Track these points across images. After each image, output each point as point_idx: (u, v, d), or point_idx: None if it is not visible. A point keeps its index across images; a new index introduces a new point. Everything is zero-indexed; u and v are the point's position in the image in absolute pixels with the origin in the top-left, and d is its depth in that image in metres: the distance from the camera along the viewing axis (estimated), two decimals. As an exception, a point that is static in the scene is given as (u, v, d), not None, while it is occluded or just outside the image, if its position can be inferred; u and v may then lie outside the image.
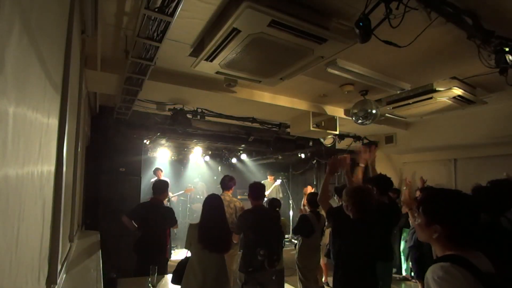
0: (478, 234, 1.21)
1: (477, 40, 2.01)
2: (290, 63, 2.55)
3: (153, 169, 6.88)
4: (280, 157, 8.23)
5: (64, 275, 1.56)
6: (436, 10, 1.77)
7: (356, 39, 1.78)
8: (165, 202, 4.49)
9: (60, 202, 1.28)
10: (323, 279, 4.80)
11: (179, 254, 5.65)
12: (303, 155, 7.07)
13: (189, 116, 3.98)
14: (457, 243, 1.18)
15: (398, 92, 3.36)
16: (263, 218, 3.03)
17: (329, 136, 5.07)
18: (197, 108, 4.11)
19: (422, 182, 4.74)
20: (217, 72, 2.73)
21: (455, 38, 2.24)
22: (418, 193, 4.06)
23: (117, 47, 2.59)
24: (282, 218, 3.35)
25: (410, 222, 3.39)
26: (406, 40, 1.99)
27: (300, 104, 3.98)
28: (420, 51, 2.47)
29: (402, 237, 5.17)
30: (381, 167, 3.44)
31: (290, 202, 8.07)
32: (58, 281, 1.28)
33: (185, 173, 9.56)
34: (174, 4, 1.69)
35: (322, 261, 4.51)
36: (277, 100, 3.79)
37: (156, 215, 3.53)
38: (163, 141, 6.33)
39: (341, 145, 5.82)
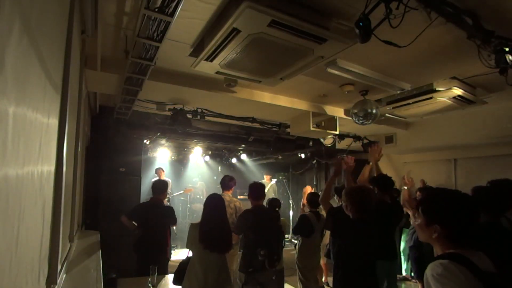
0: (478, 234, 1.21)
1: (477, 40, 2.01)
2: (290, 63, 2.55)
3: (154, 169, 6.89)
4: (280, 157, 8.24)
5: (64, 275, 1.56)
6: (436, 10, 1.77)
7: (356, 39, 1.77)
8: (165, 202, 4.50)
9: (60, 202, 1.28)
10: (323, 279, 4.80)
11: (179, 254, 5.65)
12: (303, 155, 7.07)
13: (189, 116, 3.98)
14: (457, 242, 1.18)
15: (398, 92, 3.36)
16: (263, 218, 3.03)
17: (329, 136, 5.07)
18: (197, 108, 4.11)
19: (422, 183, 4.74)
20: (217, 72, 2.73)
21: (455, 38, 2.24)
22: (418, 194, 4.05)
23: (117, 47, 2.59)
24: (282, 218, 3.35)
25: (411, 222, 3.39)
26: (406, 40, 1.99)
27: (300, 104, 3.98)
28: (420, 51, 2.47)
29: (402, 237, 5.16)
30: (381, 167, 3.44)
31: (290, 202, 8.08)
32: (58, 281, 1.28)
33: (185, 173, 9.56)
34: (174, 4, 1.69)
35: (322, 261, 4.51)
36: (277, 100, 3.79)
37: (156, 214, 3.53)
38: (163, 141, 6.33)
39: (341, 145, 5.82)
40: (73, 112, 1.79)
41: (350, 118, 3.73)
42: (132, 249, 3.50)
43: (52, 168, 1.19)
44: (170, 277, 3.02)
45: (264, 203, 3.33)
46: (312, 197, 3.97)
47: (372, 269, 2.35)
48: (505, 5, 1.87)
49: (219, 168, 9.76)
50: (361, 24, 1.68)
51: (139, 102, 3.77)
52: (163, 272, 3.29)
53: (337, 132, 4.38)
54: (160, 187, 3.70)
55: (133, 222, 3.55)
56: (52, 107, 1.13)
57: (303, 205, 4.34)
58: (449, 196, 1.25)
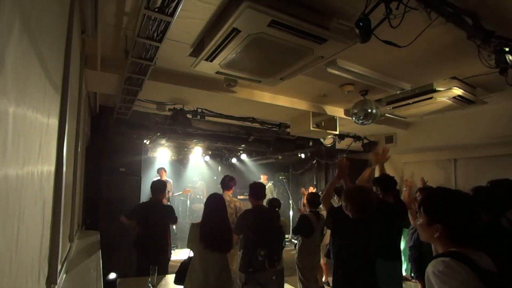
0: (479, 234, 1.21)
1: (477, 40, 2.01)
2: (290, 63, 2.55)
3: (156, 169, 6.88)
4: (280, 157, 8.25)
5: (64, 275, 1.56)
6: (436, 10, 1.77)
7: (356, 39, 1.77)
8: (165, 201, 4.50)
9: (60, 202, 1.28)
10: (324, 279, 4.80)
11: (179, 254, 5.65)
12: (303, 155, 7.07)
13: (189, 116, 3.98)
14: (458, 242, 1.18)
15: (398, 92, 3.36)
16: (264, 218, 3.03)
17: (329, 136, 5.07)
18: (197, 108, 4.11)
19: (422, 182, 4.74)
20: (217, 72, 2.73)
21: (455, 38, 2.24)
22: (418, 194, 4.05)
23: (117, 47, 2.59)
24: (282, 218, 3.35)
25: (411, 222, 3.39)
26: (406, 40, 1.99)
27: (300, 104, 3.98)
28: (420, 51, 2.47)
29: (402, 237, 5.16)
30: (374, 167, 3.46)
31: (290, 202, 8.09)
32: (58, 281, 1.28)
33: (185, 173, 9.57)
34: (174, 4, 1.69)
35: (322, 261, 4.51)
36: (277, 100, 3.79)
37: (156, 213, 3.53)
38: (163, 141, 6.33)
39: (341, 145, 5.82)
40: (73, 112, 1.79)
41: (350, 118, 3.73)
42: (132, 245, 3.49)
43: (52, 168, 1.19)
44: (170, 277, 3.02)
45: (264, 203, 3.33)
46: (312, 197, 3.97)
47: (372, 269, 2.35)
48: (505, 5, 1.87)
49: (219, 168, 9.77)
50: (361, 24, 1.68)
51: (139, 102, 3.77)
52: (163, 272, 3.29)
53: (337, 132, 4.38)
54: (159, 187, 3.70)
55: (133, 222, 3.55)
56: (52, 107, 1.13)
57: (303, 205, 4.34)
58: (450, 195, 1.25)
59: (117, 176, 4.67)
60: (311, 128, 4.12)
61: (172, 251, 5.04)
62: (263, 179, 8.46)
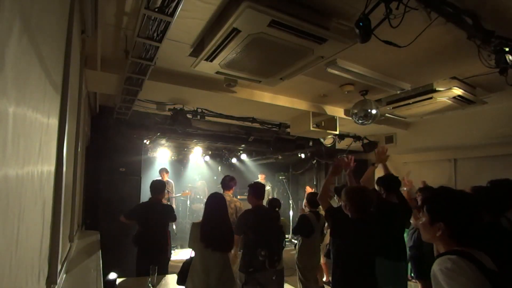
0: (481, 234, 1.22)
1: (477, 40, 2.01)
2: (290, 63, 2.55)
3: (158, 170, 6.87)
4: (280, 157, 8.25)
5: (64, 275, 1.56)
6: (436, 10, 1.77)
7: (356, 39, 1.77)
8: (165, 202, 4.49)
9: (60, 202, 1.28)
10: (324, 279, 4.80)
11: (179, 254, 5.66)
12: (303, 155, 7.07)
13: (189, 116, 3.98)
14: (460, 241, 1.19)
15: (398, 92, 3.36)
16: (264, 218, 3.03)
17: (329, 136, 5.07)
18: (197, 108, 4.11)
19: (423, 184, 4.74)
20: (217, 72, 2.73)
21: (455, 38, 2.24)
22: (418, 194, 4.05)
23: (117, 47, 2.59)
24: (282, 218, 3.35)
25: (412, 222, 3.39)
26: (406, 40, 1.99)
27: (300, 104, 3.98)
28: (420, 51, 2.47)
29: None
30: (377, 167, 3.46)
31: (290, 202, 8.09)
32: (58, 281, 1.28)
33: (185, 173, 9.57)
34: (174, 4, 1.69)
35: (322, 260, 4.51)
36: (277, 100, 3.79)
37: (156, 213, 3.53)
38: (163, 141, 6.33)
39: (341, 145, 5.82)
40: (73, 112, 1.79)
41: (350, 118, 3.73)
42: (131, 241, 3.49)
43: (52, 168, 1.19)
44: (170, 277, 3.02)
45: (264, 203, 3.33)
46: (312, 197, 3.97)
47: (371, 269, 2.35)
48: (505, 5, 1.87)
49: (219, 168, 9.77)
50: (361, 24, 1.68)
51: (139, 102, 3.77)
52: (163, 272, 3.29)
53: (337, 132, 4.38)
54: (158, 187, 3.70)
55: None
56: (52, 107, 1.13)
57: (304, 205, 4.34)
58: (453, 194, 1.27)
59: (117, 176, 4.67)
60: (311, 128, 4.12)
61: (172, 251, 5.05)
62: (260, 178, 8.46)
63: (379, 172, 3.47)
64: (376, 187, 3.21)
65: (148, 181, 3.84)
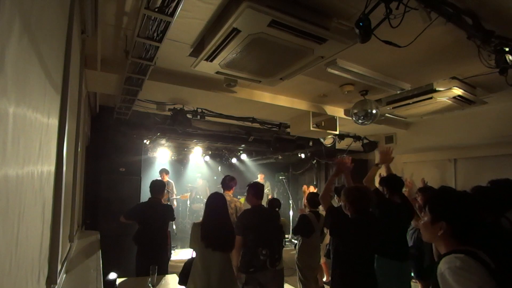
0: (482, 233, 1.22)
1: (477, 40, 2.01)
2: (290, 63, 2.55)
3: (159, 170, 6.86)
4: (280, 157, 8.25)
5: (64, 275, 1.56)
6: (436, 10, 1.77)
7: (356, 39, 1.77)
8: (165, 201, 4.49)
9: (60, 202, 1.28)
10: (324, 279, 4.80)
11: (179, 254, 5.66)
12: (303, 155, 7.07)
13: (189, 116, 3.98)
14: (461, 240, 1.19)
15: (398, 92, 3.36)
16: (264, 218, 3.03)
17: (329, 136, 5.07)
18: (197, 108, 4.11)
19: (423, 183, 4.74)
20: (217, 72, 2.73)
21: (455, 38, 2.24)
22: (418, 194, 4.05)
23: (117, 47, 2.59)
24: (282, 218, 3.35)
25: (413, 222, 3.39)
26: (406, 40, 1.99)
27: (300, 104, 3.98)
28: (420, 51, 2.47)
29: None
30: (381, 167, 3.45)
31: (290, 202, 8.09)
32: (58, 281, 1.28)
33: (185, 173, 9.56)
34: (174, 4, 1.69)
35: (322, 260, 4.51)
36: (277, 100, 3.79)
37: (155, 213, 3.53)
38: (163, 141, 6.33)
39: (341, 145, 5.82)
40: (73, 112, 1.79)
41: (350, 118, 3.73)
42: (132, 239, 3.49)
43: (52, 168, 1.19)
44: (170, 277, 3.02)
45: (264, 203, 3.33)
46: (312, 197, 3.97)
47: (370, 268, 2.36)
48: (505, 5, 1.87)
49: (219, 168, 9.77)
50: (361, 24, 1.68)
51: (139, 102, 3.77)
52: (163, 272, 3.29)
53: (337, 132, 4.38)
54: (158, 187, 3.70)
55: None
56: (52, 107, 1.13)
57: (304, 205, 4.34)
58: (455, 194, 1.28)
59: (117, 176, 4.67)
60: (311, 128, 4.12)
61: (172, 251, 5.04)
62: (260, 178, 8.47)
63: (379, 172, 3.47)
64: (379, 187, 3.21)
65: (148, 181, 3.84)
